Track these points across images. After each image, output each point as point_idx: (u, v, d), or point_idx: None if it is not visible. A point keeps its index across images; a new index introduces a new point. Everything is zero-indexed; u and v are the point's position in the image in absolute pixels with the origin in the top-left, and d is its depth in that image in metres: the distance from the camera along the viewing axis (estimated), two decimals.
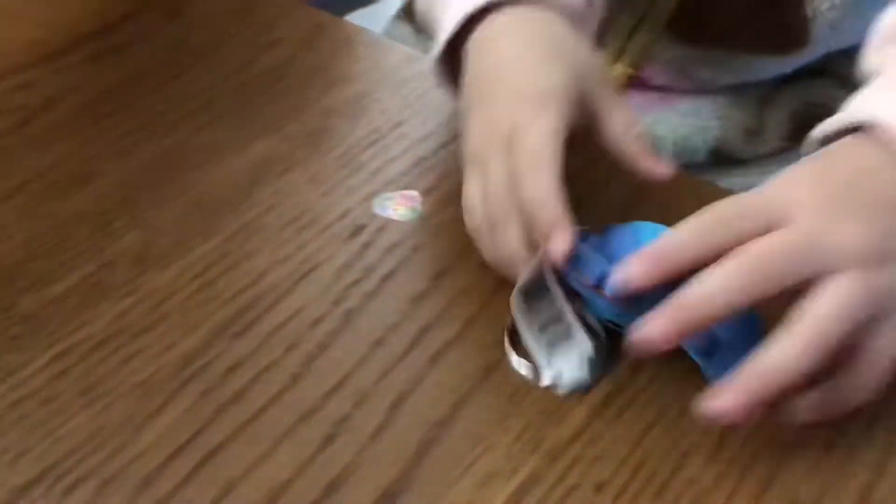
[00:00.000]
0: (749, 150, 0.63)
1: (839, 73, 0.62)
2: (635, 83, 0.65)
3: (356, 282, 0.43)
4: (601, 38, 0.61)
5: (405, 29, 0.76)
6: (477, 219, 0.41)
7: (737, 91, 0.63)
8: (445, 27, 0.47)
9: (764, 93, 0.63)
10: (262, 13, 0.61)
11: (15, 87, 0.54)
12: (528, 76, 0.43)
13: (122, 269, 0.43)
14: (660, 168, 0.43)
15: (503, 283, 0.41)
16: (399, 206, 0.47)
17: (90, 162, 0.49)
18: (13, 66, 0.55)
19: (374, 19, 1.00)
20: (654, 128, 0.63)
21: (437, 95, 0.53)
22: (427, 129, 0.52)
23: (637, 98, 0.65)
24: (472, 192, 0.41)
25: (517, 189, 0.39)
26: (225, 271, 0.43)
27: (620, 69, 0.64)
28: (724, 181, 0.63)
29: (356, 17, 1.02)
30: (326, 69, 0.56)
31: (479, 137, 0.42)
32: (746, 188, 0.41)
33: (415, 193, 0.48)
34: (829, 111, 0.61)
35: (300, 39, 0.58)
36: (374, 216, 0.46)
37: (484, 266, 0.42)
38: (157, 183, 0.48)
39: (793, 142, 0.61)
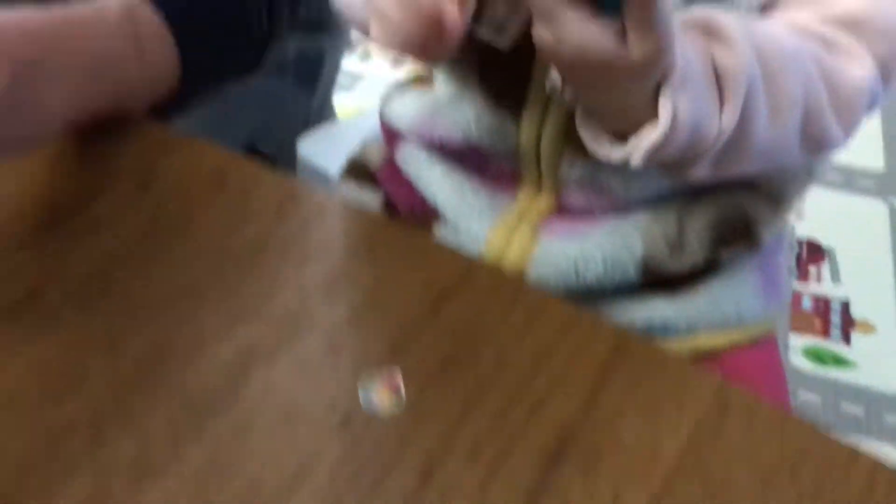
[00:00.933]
0: (675, 264, 0.66)
1: (753, 181, 0.66)
2: (560, 211, 0.68)
3: (350, 481, 0.45)
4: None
5: (348, 186, 0.79)
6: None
7: (655, 204, 0.66)
8: None
9: (682, 204, 0.66)
10: (234, 183, 0.63)
11: None
12: None
13: (118, 484, 0.44)
14: None
15: (493, 475, 0.43)
16: (383, 395, 0.49)
17: (80, 360, 0.50)
18: None
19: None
20: (583, 248, 0.66)
21: (411, 263, 0.55)
22: (402, 300, 0.55)
23: (563, 226, 0.68)
24: None
25: None
26: (220, 483, 0.45)
27: (544, 199, 0.68)
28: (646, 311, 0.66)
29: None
30: (300, 243, 0.58)
31: None
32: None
33: (398, 375, 0.50)
34: (749, 219, 0.66)
35: (273, 211, 0.60)
36: (361, 405, 0.48)
37: (473, 457, 0.44)
38: (148, 382, 0.49)
39: (715, 252, 0.65)
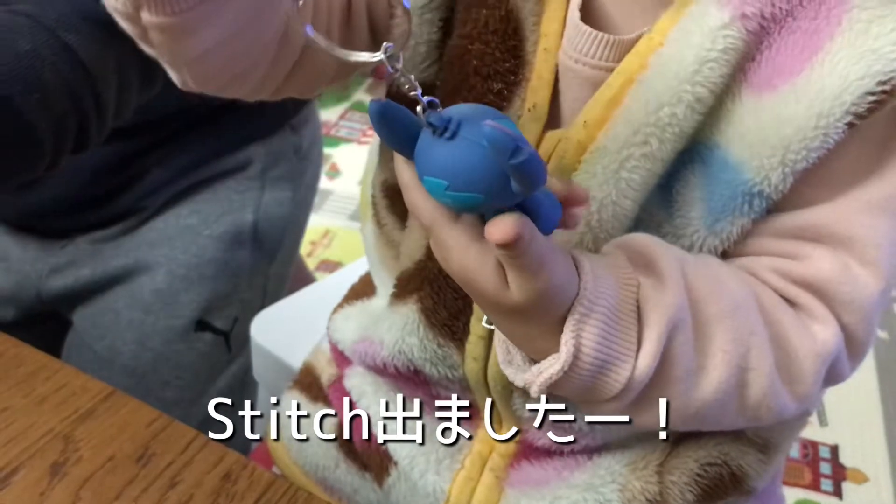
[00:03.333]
0: None
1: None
2: (525, 450, 0.60)
3: None
4: None
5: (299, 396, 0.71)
6: None
7: (631, 451, 0.59)
8: None
9: (660, 454, 0.58)
10: None
11: None
12: None
13: None
14: None
15: None
16: None
17: None
18: None
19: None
20: None
21: None
22: None
23: (529, 472, 0.60)
24: None
25: None
26: None
27: (506, 438, 0.60)
28: None
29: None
30: None
31: None
32: None
33: None
34: (737, 471, 0.58)
35: None
36: None
37: None
38: None
39: None
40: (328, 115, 2.37)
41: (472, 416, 0.60)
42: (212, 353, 0.93)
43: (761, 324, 0.49)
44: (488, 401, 0.58)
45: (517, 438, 0.60)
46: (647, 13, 0.50)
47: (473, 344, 0.55)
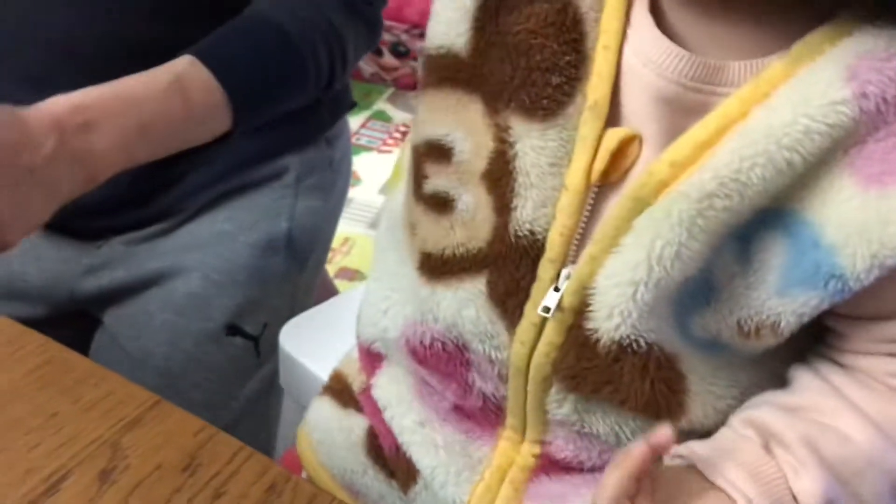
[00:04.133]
0: None
1: None
2: (544, 464, 0.61)
3: None
4: None
5: (330, 403, 0.72)
6: None
7: None
8: None
9: None
10: None
11: None
12: None
13: None
14: None
15: None
16: None
17: None
18: None
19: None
20: None
21: None
22: None
23: (548, 486, 0.61)
24: None
25: None
26: None
27: (527, 450, 0.61)
28: None
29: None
30: None
31: None
32: None
33: None
34: None
35: None
36: None
37: None
38: None
39: None
40: (349, 123, 2.39)
41: (496, 421, 0.61)
42: (241, 358, 0.94)
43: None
44: (520, 401, 0.58)
45: (537, 452, 0.60)
46: (732, 39, 0.50)
47: (524, 328, 0.55)
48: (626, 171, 0.52)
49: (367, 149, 2.32)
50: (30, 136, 0.72)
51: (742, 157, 0.47)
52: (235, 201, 0.96)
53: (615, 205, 0.51)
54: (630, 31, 0.52)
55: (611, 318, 0.52)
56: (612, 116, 0.52)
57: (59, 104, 0.74)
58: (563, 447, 0.60)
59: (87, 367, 0.62)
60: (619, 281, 0.51)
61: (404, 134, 2.47)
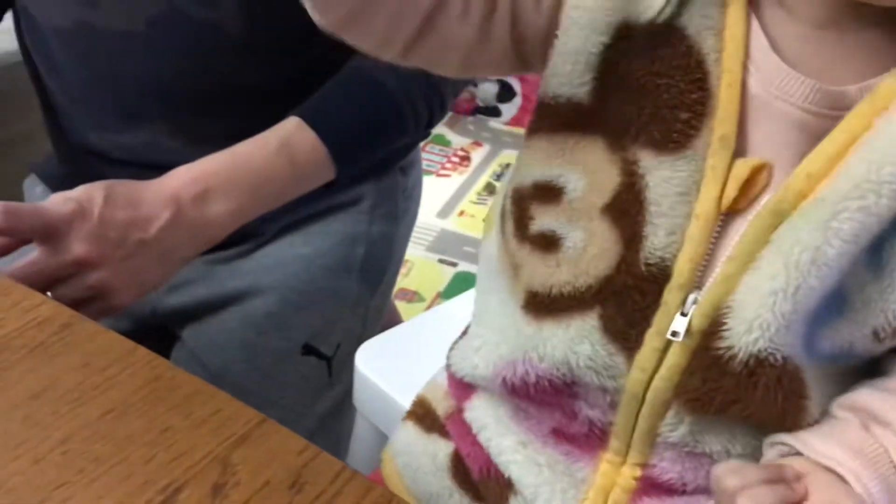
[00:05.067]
0: None
1: None
2: (646, 486, 0.63)
3: None
4: None
5: (413, 428, 0.74)
6: None
7: None
8: None
9: None
10: None
11: None
12: None
13: None
14: None
15: None
16: None
17: None
18: None
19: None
20: None
21: None
22: None
23: None
24: None
25: None
26: None
27: (628, 472, 0.62)
28: None
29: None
30: None
31: None
32: None
33: None
34: None
35: None
36: None
37: None
38: None
39: None
40: None
41: (599, 444, 0.63)
42: (314, 377, 0.98)
43: None
44: (628, 425, 0.61)
45: (638, 475, 0.62)
46: (847, 66, 0.55)
47: (645, 356, 0.58)
48: (754, 199, 0.56)
49: (427, 172, 2.35)
50: (144, 212, 0.81)
51: (871, 160, 0.52)
52: (313, 226, 1.00)
53: (752, 222, 0.55)
54: (752, 68, 0.56)
55: (750, 333, 0.55)
56: (738, 147, 0.56)
57: (179, 177, 0.83)
58: (668, 469, 0.62)
59: (196, 384, 0.65)
60: (759, 294, 0.55)
61: (462, 158, 2.51)
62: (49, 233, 0.79)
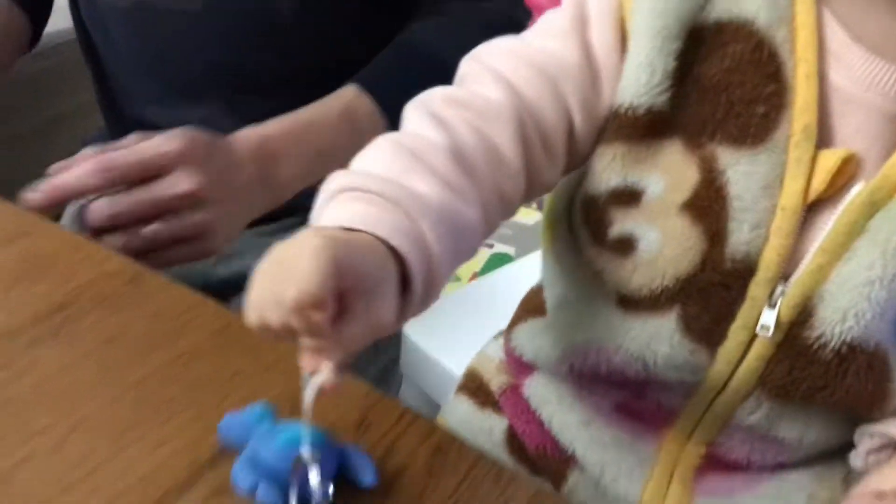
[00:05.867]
0: None
1: None
2: (711, 463, 0.64)
3: None
4: None
5: (467, 402, 0.76)
6: None
7: (818, 462, 0.62)
8: None
9: (843, 468, 0.62)
10: None
11: None
12: None
13: None
14: None
15: None
16: None
17: None
18: None
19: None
20: None
21: None
22: None
23: (716, 483, 0.64)
24: None
25: None
26: None
27: (693, 449, 0.63)
28: None
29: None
30: None
31: None
32: None
33: None
34: None
35: None
36: None
37: None
38: None
39: None
40: None
41: (664, 425, 0.64)
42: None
43: None
44: (699, 411, 0.61)
45: (703, 452, 0.63)
46: None
47: (729, 350, 0.58)
48: (839, 190, 0.56)
49: None
50: (236, 160, 0.82)
51: None
52: None
53: (845, 213, 0.55)
54: (832, 60, 0.56)
55: (844, 322, 0.55)
56: (820, 138, 0.56)
57: (252, 137, 0.84)
58: (735, 448, 0.63)
59: None
60: (855, 283, 0.54)
61: None
62: (151, 170, 0.78)
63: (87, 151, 0.93)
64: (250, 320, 0.46)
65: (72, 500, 0.54)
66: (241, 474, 0.51)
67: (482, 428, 0.73)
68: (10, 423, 0.58)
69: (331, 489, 0.52)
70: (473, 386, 0.77)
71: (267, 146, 0.84)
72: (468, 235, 0.52)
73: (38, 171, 0.80)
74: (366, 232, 0.47)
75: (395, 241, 0.47)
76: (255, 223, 1.02)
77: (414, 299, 0.49)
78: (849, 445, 0.62)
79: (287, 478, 0.51)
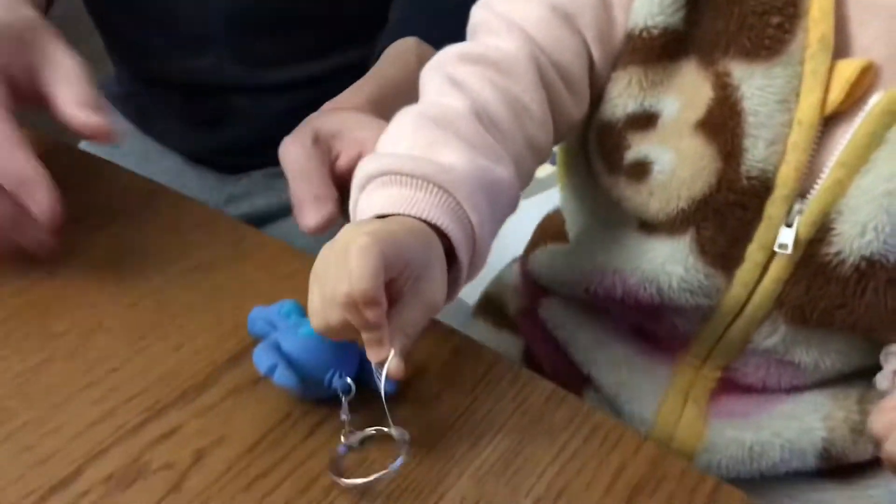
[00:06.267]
0: (858, 452, 0.62)
1: None
2: (726, 385, 0.64)
3: None
4: None
5: (484, 325, 0.76)
6: None
7: (834, 384, 0.62)
8: None
9: (864, 384, 0.62)
10: None
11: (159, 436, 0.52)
12: None
13: None
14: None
15: None
16: None
17: None
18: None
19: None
20: (758, 434, 0.62)
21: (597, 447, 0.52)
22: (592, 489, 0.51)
23: (730, 405, 0.64)
24: None
25: None
26: None
27: (709, 372, 0.63)
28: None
29: None
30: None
31: None
32: None
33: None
34: None
35: None
36: None
37: None
38: None
39: None
40: None
41: (680, 348, 0.64)
42: None
43: None
44: (714, 334, 0.61)
45: (718, 376, 0.63)
46: None
47: (747, 271, 0.58)
48: (856, 101, 0.54)
49: None
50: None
51: None
52: None
53: (864, 124, 0.53)
54: None
55: (863, 236, 0.54)
56: (837, 49, 0.54)
57: (355, 100, 0.78)
58: (750, 373, 0.62)
59: (280, 244, 0.67)
60: (873, 195, 0.53)
61: None
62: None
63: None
64: (315, 326, 0.47)
65: (92, 398, 0.54)
66: (261, 356, 0.52)
67: (499, 348, 0.73)
68: (29, 328, 0.59)
69: (352, 387, 0.52)
70: (490, 308, 0.77)
71: (374, 110, 0.79)
72: (504, 194, 0.53)
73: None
74: (404, 214, 0.48)
75: (435, 219, 0.48)
76: (262, 165, 1.03)
77: (461, 271, 0.49)
78: (865, 369, 0.62)
79: (303, 366, 0.52)
